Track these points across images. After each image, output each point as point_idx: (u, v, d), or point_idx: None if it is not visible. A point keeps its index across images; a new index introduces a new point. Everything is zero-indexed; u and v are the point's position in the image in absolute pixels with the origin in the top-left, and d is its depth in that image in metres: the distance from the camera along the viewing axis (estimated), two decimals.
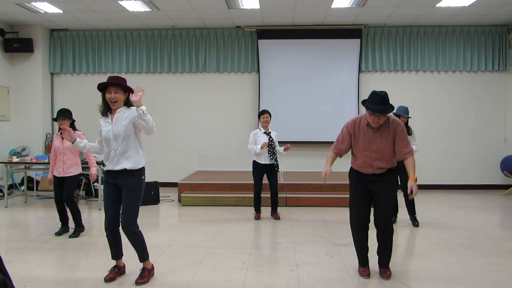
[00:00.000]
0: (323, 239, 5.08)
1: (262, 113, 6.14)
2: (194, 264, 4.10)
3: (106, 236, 3.64)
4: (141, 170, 3.61)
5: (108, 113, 3.60)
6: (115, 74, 9.43)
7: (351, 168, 3.90)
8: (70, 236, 5.20)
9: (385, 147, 3.62)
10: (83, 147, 3.79)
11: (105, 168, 3.62)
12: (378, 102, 3.47)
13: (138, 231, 3.57)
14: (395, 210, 5.90)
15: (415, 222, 5.77)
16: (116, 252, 3.70)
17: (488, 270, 3.97)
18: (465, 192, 8.76)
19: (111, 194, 3.58)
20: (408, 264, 4.14)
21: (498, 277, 3.80)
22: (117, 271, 3.74)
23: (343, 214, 6.49)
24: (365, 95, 9.05)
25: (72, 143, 3.74)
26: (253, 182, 7.49)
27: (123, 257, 3.79)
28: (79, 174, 5.37)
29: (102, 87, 3.55)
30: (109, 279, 3.63)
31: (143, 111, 3.34)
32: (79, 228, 5.32)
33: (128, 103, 3.59)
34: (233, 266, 4.07)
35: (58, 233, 5.28)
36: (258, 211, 6.22)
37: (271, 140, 6.00)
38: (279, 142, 6.29)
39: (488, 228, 5.70)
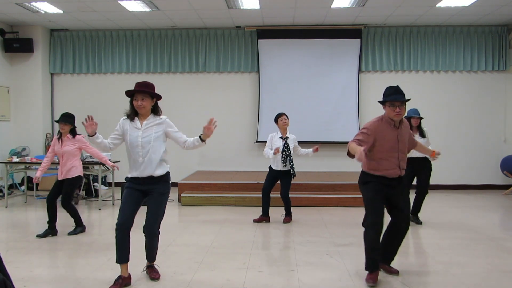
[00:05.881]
0: (323, 239, 5.08)
1: (280, 115, 5.81)
2: (194, 264, 4.10)
3: (116, 236, 3.50)
4: (167, 175, 3.66)
5: (136, 118, 3.58)
6: (115, 74, 9.48)
7: (367, 174, 3.67)
8: (69, 233, 5.24)
9: (406, 146, 3.71)
10: (100, 143, 3.62)
11: (129, 175, 3.58)
12: (393, 93, 3.57)
13: (158, 234, 3.68)
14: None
15: (417, 220, 5.80)
16: (123, 255, 3.50)
17: (488, 270, 3.97)
18: (465, 192, 8.76)
19: (132, 197, 3.55)
20: (408, 264, 4.14)
21: (498, 277, 3.80)
22: (122, 283, 3.49)
23: (343, 214, 6.50)
24: (365, 95, 9.16)
25: (91, 136, 3.55)
26: (253, 182, 7.56)
27: (128, 266, 3.57)
28: (78, 177, 5.31)
29: (130, 94, 3.56)
30: None
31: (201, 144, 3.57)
32: (80, 227, 5.36)
33: (155, 110, 3.61)
34: (233, 266, 4.06)
35: (40, 236, 5.10)
36: (263, 213, 5.89)
37: (285, 145, 5.73)
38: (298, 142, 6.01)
39: (488, 228, 5.69)
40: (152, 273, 3.71)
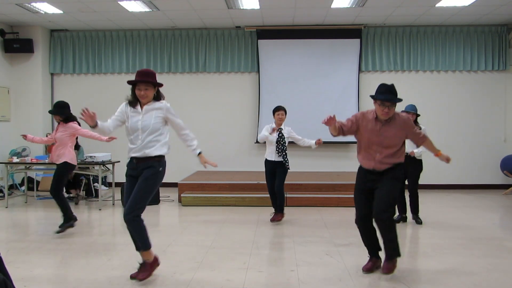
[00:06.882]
0: (323, 239, 5.08)
1: (277, 109, 5.83)
2: (194, 264, 4.10)
3: (127, 227, 3.53)
4: (160, 161, 3.61)
5: (137, 104, 3.62)
6: (115, 74, 9.48)
7: (359, 166, 3.87)
8: (57, 232, 5.10)
9: (392, 142, 3.65)
10: (102, 128, 3.64)
11: (128, 159, 3.64)
12: (385, 92, 3.59)
13: (138, 219, 3.45)
14: (404, 209, 5.88)
15: (418, 220, 5.81)
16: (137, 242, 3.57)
17: (488, 270, 3.97)
18: (465, 192, 8.76)
19: (132, 186, 3.58)
20: (408, 264, 4.14)
21: (498, 277, 3.80)
22: (151, 267, 3.60)
23: (343, 214, 6.50)
24: (365, 95, 9.14)
25: (93, 127, 3.57)
26: (253, 182, 7.56)
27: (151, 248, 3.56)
28: (65, 163, 5.24)
29: (132, 83, 3.59)
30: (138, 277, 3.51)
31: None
32: (68, 223, 5.18)
33: (157, 97, 3.66)
34: (233, 266, 4.07)
35: (59, 231, 5.14)
36: (276, 210, 5.96)
37: (280, 136, 5.80)
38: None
39: (488, 228, 5.70)
40: (139, 273, 3.53)
